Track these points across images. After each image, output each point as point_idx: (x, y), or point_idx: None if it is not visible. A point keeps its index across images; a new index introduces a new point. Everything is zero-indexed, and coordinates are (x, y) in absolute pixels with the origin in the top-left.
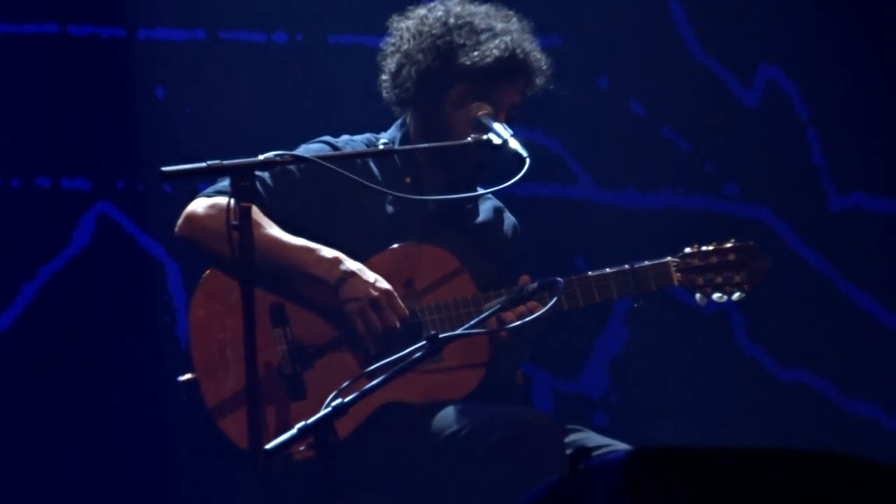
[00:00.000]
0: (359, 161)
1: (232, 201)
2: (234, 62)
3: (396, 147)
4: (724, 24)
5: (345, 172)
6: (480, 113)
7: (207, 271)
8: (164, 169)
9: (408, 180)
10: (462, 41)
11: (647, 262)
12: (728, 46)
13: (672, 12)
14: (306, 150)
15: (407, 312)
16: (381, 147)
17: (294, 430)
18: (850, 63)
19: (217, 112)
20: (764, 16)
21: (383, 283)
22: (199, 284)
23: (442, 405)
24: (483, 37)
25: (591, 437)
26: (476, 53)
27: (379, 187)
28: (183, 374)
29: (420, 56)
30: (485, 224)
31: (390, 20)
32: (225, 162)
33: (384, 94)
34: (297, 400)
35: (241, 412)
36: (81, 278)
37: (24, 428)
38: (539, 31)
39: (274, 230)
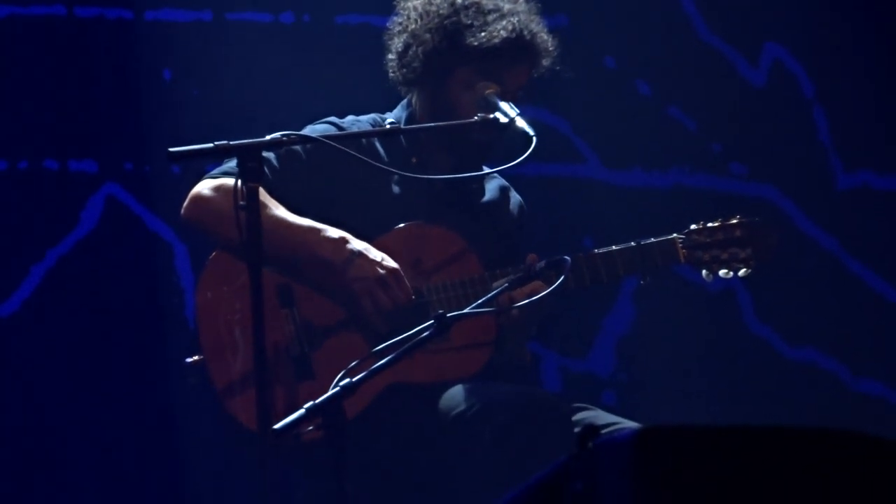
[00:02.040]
0: (364, 141)
1: (239, 182)
2: (241, 43)
3: (402, 127)
4: (730, 2)
5: (351, 152)
6: (487, 92)
7: (214, 252)
8: (171, 150)
9: (414, 160)
10: (469, 22)
11: (653, 240)
12: (734, 25)
13: None
14: (312, 130)
15: (411, 292)
16: (387, 127)
17: (302, 410)
18: (856, 41)
19: (224, 93)
20: None
21: (390, 262)
22: (206, 266)
23: (450, 385)
24: (490, 17)
25: (599, 416)
26: (483, 34)
27: (385, 167)
28: (191, 355)
29: (427, 36)
30: (491, 203)
31: (397, 0)
32: (231, 143)
33: (390, 74)
34: (306, 380)
35: (250, 393)
36: (89, 260)
37: (32, 410)
38: (545, 11)
39: (280, 211)
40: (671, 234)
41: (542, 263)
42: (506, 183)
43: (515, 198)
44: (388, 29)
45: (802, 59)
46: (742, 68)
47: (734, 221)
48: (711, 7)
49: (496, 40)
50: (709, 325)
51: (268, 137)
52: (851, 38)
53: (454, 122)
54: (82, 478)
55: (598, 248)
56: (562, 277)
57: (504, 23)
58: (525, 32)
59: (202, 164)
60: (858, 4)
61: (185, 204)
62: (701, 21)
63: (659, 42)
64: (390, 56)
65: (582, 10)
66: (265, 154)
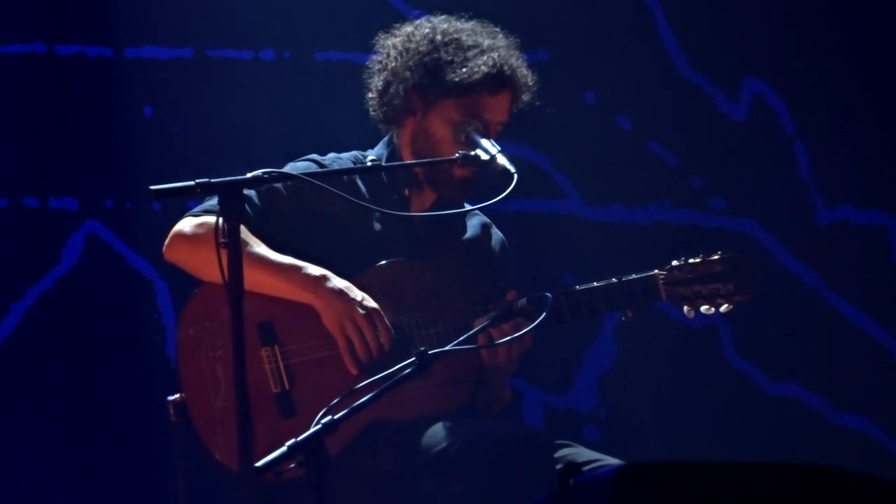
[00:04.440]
0: (346, 179)
1: (220, 220)
2: (222, 80)
3: (384, 164)
4: (710, 38)
5: (332, 189)
6: (468, 129)
7: (196, 290)
8: (152, 188)
9: (395, 197)
10: (449, 58)
11: (634, 276)
12: (714, 60)
13: (658, 27)
14: (293, 168)
15: (392, 332)
16: (368, 164)
17: (284, 448)
18: (836, 76)
19: (205, 130)
20: (749, 29)
21: (370, 302)
22: (188, 302)
23: (431, 421)
24: (470, 53)
25: (581, 453)
26: (464, 70)
27: (366, 204)
28: (172, 393)
29: (407, 73)
30: (472, 240)
31: (377, 38)
32: (213, 180)
33: (371, 112)
34: (288, 418)
35: (231, 431)
36: (71, 298)
37: (14, 448)
38: (526, 46)
39: (261, 248)
40: (652, 269)
41: (524, 300)
42: (487, 219)
43: (497, 234)
44: (368, 67)
45: (782, 93)
46: (722, 103)
47: (715, 257)
48: (691, 42)
49: (476, 76)
50: (690, 360)
51: (249, 175)
52: (831, 73)
53: (435, 159)
54: None
55: (579, 284)
56: (543, 314)
57: (484, 58)
58: (505, 67)
59: (183, 202)
60: (838, 40)
61: (167, 242)
62: (681, 56)
63: (639, 77)
64: (370, 94)
65: (563, 45)
66: (247, 192)
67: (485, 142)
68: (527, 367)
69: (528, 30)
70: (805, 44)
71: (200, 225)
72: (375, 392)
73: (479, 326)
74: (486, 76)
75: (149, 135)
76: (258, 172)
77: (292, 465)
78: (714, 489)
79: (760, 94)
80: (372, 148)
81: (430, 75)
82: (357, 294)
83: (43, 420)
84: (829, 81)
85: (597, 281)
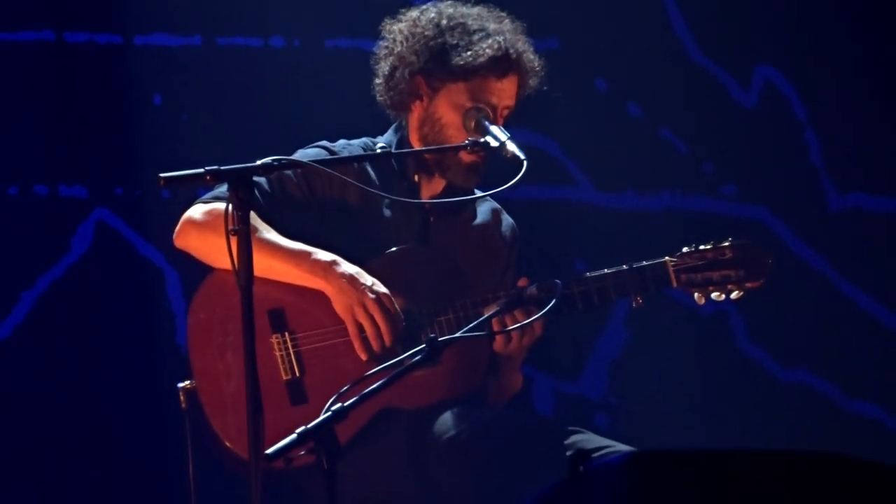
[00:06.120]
0: (356, 165)
1: (230, 207)
2: (231, 67)
3: (393, 150)
4: (722, 25)
5: (342, 176)
6: (478, 115)
7: (207, 277)
8: (162, 175)
9: (405, 184)
10: (455, 42)
11: (645, 262)
12: (725, 47)
13: (669, 13)
14: (303, 155)
15: (402, 317)
16: (377, 151)
17: (294, 435)
18: (848, 63)
19: (214, 117)
20: (761, 16)
21: (380, 287)
22: (199, 288)
23: (442, 408)
24: (476, 37)
25: (591, 439)
26: (469, 54)
27: (376, 191)
28: (183, 380)
29: (413, 58)
30: (483, 226)
31: (383, 23)
32: (222, 168)
33: (378, 98)
34: (298, 405)
35: (241, 418)
36: (80, 286)
37: (24, 437)
38: (536, 33)
39: (271, 234)
40: (663, 256)
41: (534, 287)
42: (497, 205)
43: (507, 220)
44: (375, 53)
45: (794, 80)
46: (733, 90)
47: (726, 244)
48: (703, 29)
49: (482, 59)
50: (701, 347)
51: (259, 162)
52: (843, 60)
53: (444, 146)
54: (74, 501)
55: (590, 271)
56: (553, 301)
57: (490, 41)
58: (511, 51)
59: (193, 190)
60: (849, 27)
61: (177, 229)
62: (692, 43)
63: (650, 64)
64: (377, 80)
65: (573, 32)
66: (257, 179)
67: (494, 128)
68: (537, 354)
69: (538, 17)
70: (816, 31)
71: (210, 212)
72: (386, 379)
73: (490, 313)
74: (492, 59)
75: (158, 122)
76: (268, 159)
77: (302, 453)
78: (724, 476)
79: (772, 80)
80: (382, 135)
81: (436, 59)
82: (367, 279)
83: (53, 408)
84: (841, 68)
85: (608, 268)
